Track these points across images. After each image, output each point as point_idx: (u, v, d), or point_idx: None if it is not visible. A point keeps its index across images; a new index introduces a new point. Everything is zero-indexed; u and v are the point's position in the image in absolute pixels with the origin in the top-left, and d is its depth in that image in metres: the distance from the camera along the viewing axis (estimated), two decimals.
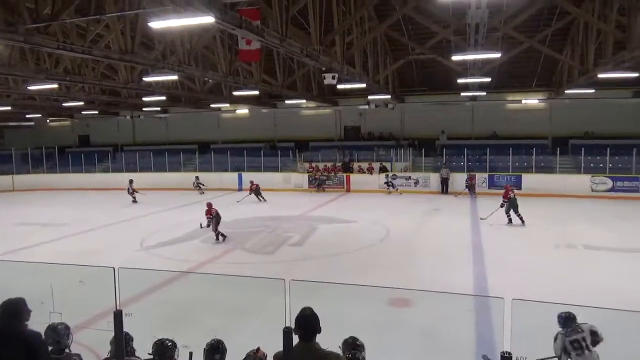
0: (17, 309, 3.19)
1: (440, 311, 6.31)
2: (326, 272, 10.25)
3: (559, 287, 8.49)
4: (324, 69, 14.06)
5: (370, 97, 23.63)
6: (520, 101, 25.10)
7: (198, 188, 24.79)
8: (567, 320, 4.39)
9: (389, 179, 23.56)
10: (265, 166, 26.83)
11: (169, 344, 3.61)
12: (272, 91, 20.97)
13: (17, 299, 3.23)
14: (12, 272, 3.88)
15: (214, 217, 13.51)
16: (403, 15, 16.11)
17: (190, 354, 3.55)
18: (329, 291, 5.99)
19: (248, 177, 25.23)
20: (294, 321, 3.04)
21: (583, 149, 22.18)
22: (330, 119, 29.69)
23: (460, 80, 17.72)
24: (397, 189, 23.25)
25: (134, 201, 21.66)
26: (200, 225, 14.06)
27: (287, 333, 2.75)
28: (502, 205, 15.22)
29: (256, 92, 20.20)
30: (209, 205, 13.81)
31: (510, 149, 22.99)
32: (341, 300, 6.10)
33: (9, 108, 23.74)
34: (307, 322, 3.05)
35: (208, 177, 25.86)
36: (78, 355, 3.58)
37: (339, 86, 17.06)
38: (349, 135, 29.75)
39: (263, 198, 21.45)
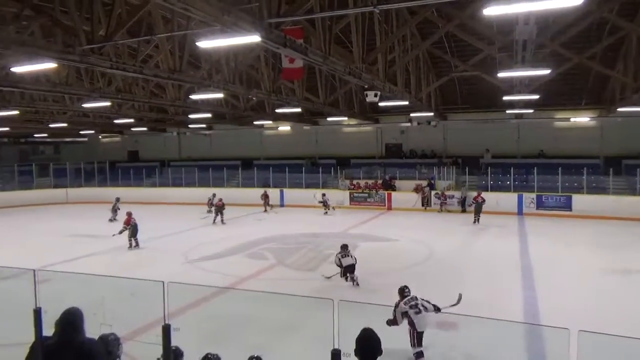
0: (75, 318, 3.30)
1: (489, 337, 6.04)
2: (368, 291, 10.08)
3: (618, 316, 7.99)
4: (366, 86, 14.07)
5: (412, 115, 23.40)
6: (569, 119, 24.19)
7: (211, 205, 22.75)
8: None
9: (324, 198, 23.29)
10: (306, 182, 26.97)
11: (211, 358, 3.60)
12: (314, 108, 21.13)
13: (75, 308, 3.33)
14: (66, 283, 4.00)
15: (130, 227, 15.04)
16: (446, 32, 15.98)
17: None
18: (374, 311, 5.85)
19: (289, 193, 25.45)
20: (341, 342, 2.96)
21: (638, 169, 21.06)
22: (372, 136, 29.61)
23: (505, 98, 17.28)
24: (332, 207, 23.12)
25: (112, 220, 20.39)
26: (113, 234, 15.53)
27: (335, 355, 2.68)
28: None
29: (298, 110, 20.42)
30: (129, 214, 15.45)
31: (560, 168, 22.14)
32: (383, 321, 5.96)
33: (65, 125, 25.03)
34: (369, 344, 2.96)
35: (250, 193, 26.21)
36: None
37: (381, 104, 16.99)
38: (391, 152, 29.55)
39: (222, 220, 20.23)
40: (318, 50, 10.11)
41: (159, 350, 3.41)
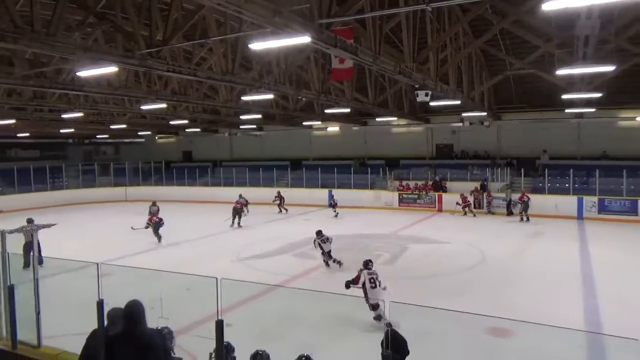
0: (137, 310, 3.46)
1: (546, 346, 5.77)
2: (418, 294, 9.90)
3: None
4: (416, 86, 13.83)
5: (464, 115, 22.81)
6: (634, 118, 22.79)
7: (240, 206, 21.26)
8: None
9: (334, 200, 23.25)
10: (355, 183, 26.90)
11: (258, 357, 3.64)
12: (363, 109, 21.03)
13: (137, 301, 3.50)
14: (125, 277, 4.17)
15: (153, 224, 16.19)
16: (500, 29, 15.44)
17: None
18: (423, 314, 5.74)
19: (337, 193, 25.46)
20: (389, 344, 2.92)
21: None
22: (422, 137, 29.10)
23: (564, 96, 16.49)
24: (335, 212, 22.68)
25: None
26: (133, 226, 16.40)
27: (386, 357, 2.64)
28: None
29: (347, 110, 20.38)
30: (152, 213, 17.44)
31: (624, 170, 20.88)
32: (436, 324, 5.82)
33: (124, 126, 26.23)
34: (393, 344, 2.91)
35: (298, 194, 26.44)
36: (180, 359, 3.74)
37: (432, 103, 16.65)
38: (441, 153, 28.92)
39: (239, 223, 19.64)
40: (368, 50, 10.05)
41: (211, 345, 3.49)
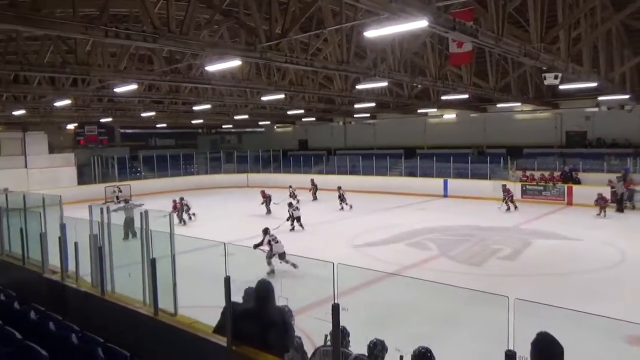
0: (267, 288, 3.75)
1: None
2: (543, 294, 9.18)
3: None
4: (544, 68, 12.73)
5: (600, 98, 20.49)
6: None
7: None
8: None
9: (341, 192, 21.74)
10: (472, 173, 25.69)
11: (379, 346, 3.66)
12: (482, 95, 19.92)
13: (267, 280, 3.78)
14: (248, 257, 4.46)
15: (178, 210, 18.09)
16: None
17: (401, 357, 3.54)
18: (551, 313, 5.32)
19: (453, 183, 24.57)
20: (514, 344, 2.74)
21: None
22: (549, 124, 26.74)
23: None
24: (347, 205, 21.33)
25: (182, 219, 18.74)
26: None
27: (510, 357, 2.49)
28: None
29: (465, 96, 19.50)
30: (176, 200, 18.70)
31: None
32: (565, 328, 5.35)
33: (246, 116, 27.94)
34: (550, 351, 2.72)
35: (412, 183, 25.99)
36: (299, 338, 3.92)
37: (562, 87, 15.23)
38: (572, 141, 26.33)
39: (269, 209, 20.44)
40: (489, 31, 9.46)
41: (326, 327, 3.59)
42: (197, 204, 19.89)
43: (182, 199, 19.21)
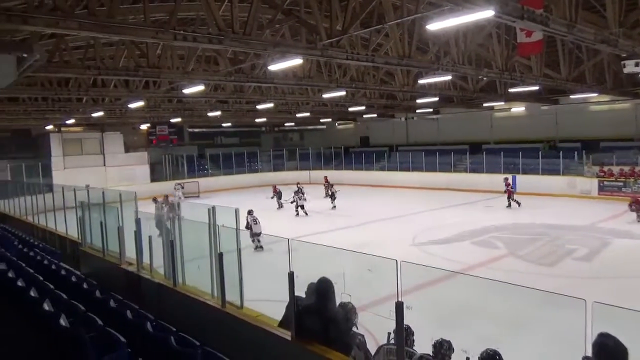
0: (327, 287, 3.78)
1: None
2: (622, 298, 8.58)
3: None
4: (623, 55, 11.83)
5: None
6: None
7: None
8: None
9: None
10: (543, 169, 24.42)
11: (445, 346, 3.58)
12: (554, 86, 18.85)
13: (327, 279, 3.82)
14: (311, 253, 4.50)
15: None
16: None
17: (467, 359, 3.44)
18: (631, 321, 4.96)
19: (522, 179, 23.51)
20: (591, 351, 2.59)
21: None
22: (629, 115, 24.82)
23: None
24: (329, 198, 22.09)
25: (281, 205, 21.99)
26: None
27: None
28: None
29: (535, 88, 18.55)
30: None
31: None
32: None
33: (307, 114, 28.23)
34: (612, 354, 2.54)
35: (478, 179, 25.13)
36: (362, 336, 3.91)
37: None
38: None
39: (280, 204, 22.00)
40: (561, 18, 8.94)
41: (389, 325, 3.56)
42: (262, 200, 20.43)
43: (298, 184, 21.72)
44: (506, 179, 21.14)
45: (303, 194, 20.17)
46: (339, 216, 18.38)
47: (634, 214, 16.02)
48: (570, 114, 26.21)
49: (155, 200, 16.55)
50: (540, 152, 25.53)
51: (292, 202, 19.83)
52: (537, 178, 23.93)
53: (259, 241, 12.95)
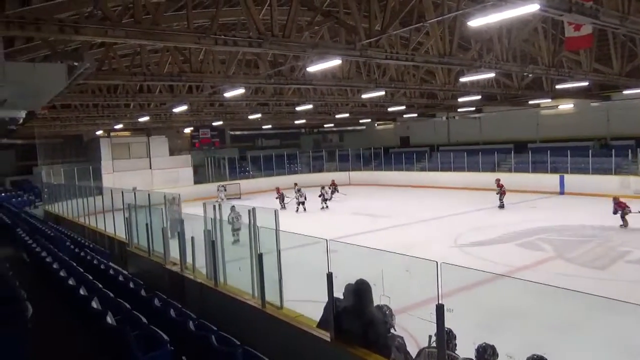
0: (365, 289, 3.77)
1: None
2: None
3: None
4: None
5: None
6: None
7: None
8: None
9: (323, 191, 23.09)
10: (593, 168, 23.38)
11: (489, 350, 3.48)
12: (605, 81, 18.01)
13: (365, 281, 3.81)
14: (349, 254, 4.48)
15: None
16: None
17: None
18: None
19: (570, 179, 22.60)
20: None
21: None
22: None
23: None
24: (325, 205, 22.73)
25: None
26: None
27: None
28: None
29: (584, 84, 17.79)
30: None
31: None
32: None
33: (347, 115, 28.19)
34: None
35: (523, 179, 24.35)
36: (402, 338, 3.85)
37: None
38: None
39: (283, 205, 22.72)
40: (613, 10, 8.52)
41: (430, 328, 3.49)
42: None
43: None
44: (498, 180, 20.83)
45: (302, 194, 21.94)
46: (380, 217, 18.21)
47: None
48: (623, 111, 24.93)
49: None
50: (590, 151, 24.44)
51: (319, 196, 22.43)
52: (587, 178, 22.93)
53: (237, 234, 13.20)
